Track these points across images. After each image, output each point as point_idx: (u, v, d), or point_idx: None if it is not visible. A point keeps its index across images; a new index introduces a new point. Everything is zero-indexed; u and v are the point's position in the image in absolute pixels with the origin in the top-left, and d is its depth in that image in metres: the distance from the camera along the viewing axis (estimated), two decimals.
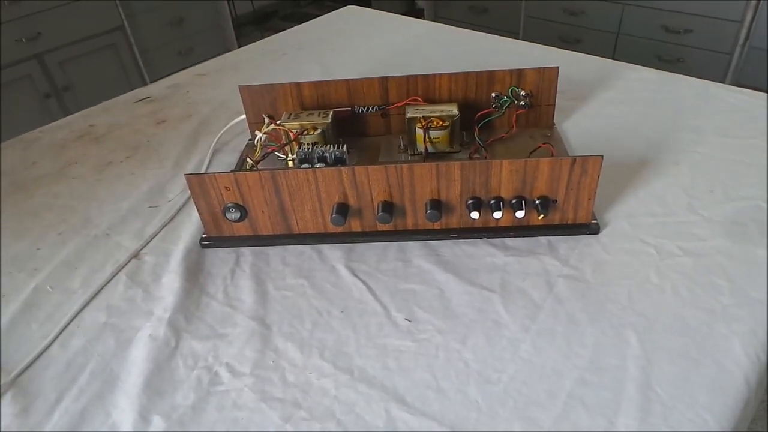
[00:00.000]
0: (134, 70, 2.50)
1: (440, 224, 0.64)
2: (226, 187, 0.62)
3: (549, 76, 0.77)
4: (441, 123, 0.73)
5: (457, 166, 0.59)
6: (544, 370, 0.49)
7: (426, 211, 0.61)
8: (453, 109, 0.75)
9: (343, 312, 0.56)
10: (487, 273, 0.59)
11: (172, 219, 0.72)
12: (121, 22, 2.37)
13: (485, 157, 0.74)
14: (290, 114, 0.77)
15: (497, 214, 0.60)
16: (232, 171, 0.60)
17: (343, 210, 0.61)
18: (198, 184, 0.62)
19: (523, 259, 0.60)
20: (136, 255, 0.66)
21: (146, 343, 0.54)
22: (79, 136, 0.93)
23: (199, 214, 0.64)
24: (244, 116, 0.84)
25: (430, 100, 0.78)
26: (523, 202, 0.60)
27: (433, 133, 0.73)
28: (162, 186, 0.78)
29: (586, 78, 0.95)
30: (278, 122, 0.75)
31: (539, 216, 0.60)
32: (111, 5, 2.31)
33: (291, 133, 0.74)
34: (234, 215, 0.63)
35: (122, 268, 0.64)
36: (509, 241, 0.63)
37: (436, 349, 0.51)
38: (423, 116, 0.74)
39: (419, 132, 0.74)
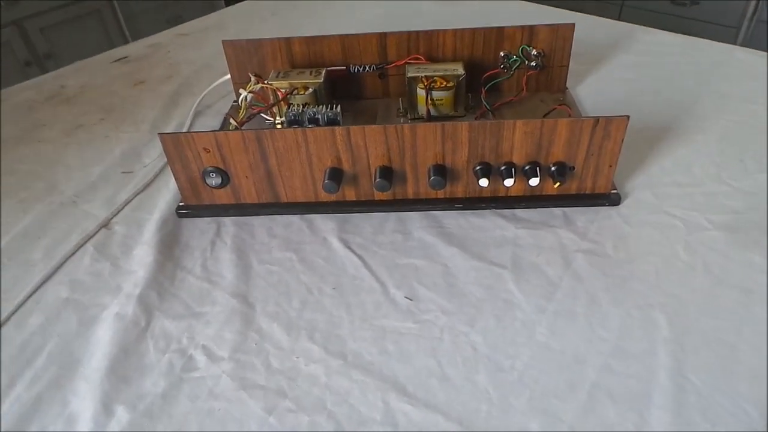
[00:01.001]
0: (119, 37, 2.39)
1: (444, 193, 0.57)
2: (205, 149, 0.55)
3: (563, 34, 0.70)
4: (445, 83, 0.66)
5: (464, 126, 0.52)
6: (563, 357, 0.43)
7: (429, 178, 0.54)
8: (458, 69, 0.68)
9: (335, 289, 0.50)
10: (496, 247, 0.53)
11: (147, 186, 0.65)
12: None
13: None
14: (279, 72, 0.70)
15: (508, 182, 0.54)
16: (212, 131, 0.53)
17: (336, 176, 0.55)
18: (173, 144, 0.55)
19: (536, 232, 0.54)
20: (105, 224, 0.59)
21: (112, 322, 0.48)
22: (49, 98, 0.86)
23: (176, 179, 0.58)
24: (228, 76, 0.77)
25: (433, 59, 0.71)
26: (537, 168, 0.54)
27: (436, 95, 0.66)
28: (137, 150, 0.71)
29: (599, 41, 0.88)
30: (266, 81, 0.68)
31: (555, 184, 0.54)
32: None
33: (279, 93, 0.67)
34: (214, 181, 0.56)
35: (90, 238, 0.57)
36: (521, 213, 0.57)
37: (440, 331, 0.45)
38: (425, 76, 0.67)
39: (421, 93, 0.67)
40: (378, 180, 0.54)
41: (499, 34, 0.70)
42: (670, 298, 0.47)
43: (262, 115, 0.68)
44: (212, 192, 0.58)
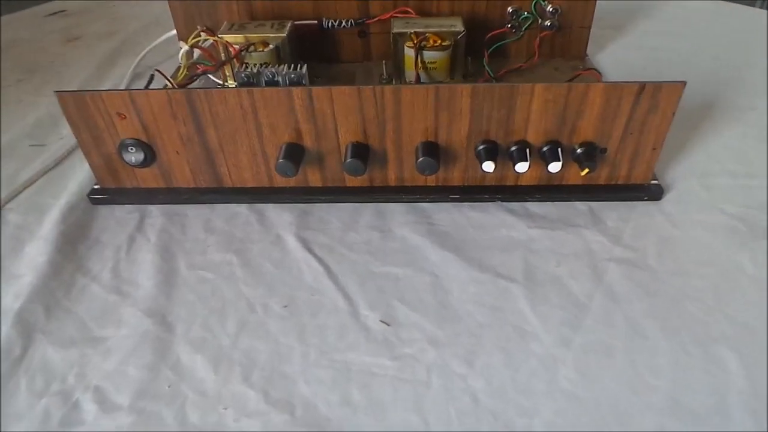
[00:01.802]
0: None
1: (436, 179, 0.44)
2: (119, 114, 0.41)
3: None
4: (439, 42, 0.53)
5: (465, 91, 0.39)
6: (597, 412, 0.30)
7: (416, 159, 0.41)
8: (456, 24, 0.54)
9: (286, 307, 0.37)
10: (503, 252, 0.40)
11: (59, 163, 0.51)
12: None
13: None
14: (233, 25, 0.56)
15: (521, 167, 0.41)
16: (127, 89, 0.40)
17: (294, 154, 0.41)
18: (76, 107, 0.41)
19: (555, 233, 0.41)
20: None
21: None
22: None
23: (85, 155, 0.44)
24: (174, 32, 0.62)
25: (425, 14, 0.58)
26: (559, 150, 0.41)
27: (428, 55, 0.53)
28: (56, 119, 0.57)
29: (618, 5, 0.75)
30: (216, 34, 0.54)
31: (582, 171, 0.41)
32: None
33: (231, 49, 0.53)
34: (134, 157, 0.43)
35: None
36: (534, 207, 0.44)
37: (427, 372, 0.33)
38: (415, 32, 0.53)
39: (409, 53, 0.53)
40: (349, 160, 0.41)
41: None
42: (738, 328, 0.34)
43: (209, 76, 0.55)
44: (134, 172, 0.45)
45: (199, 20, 0.60)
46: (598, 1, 0.57)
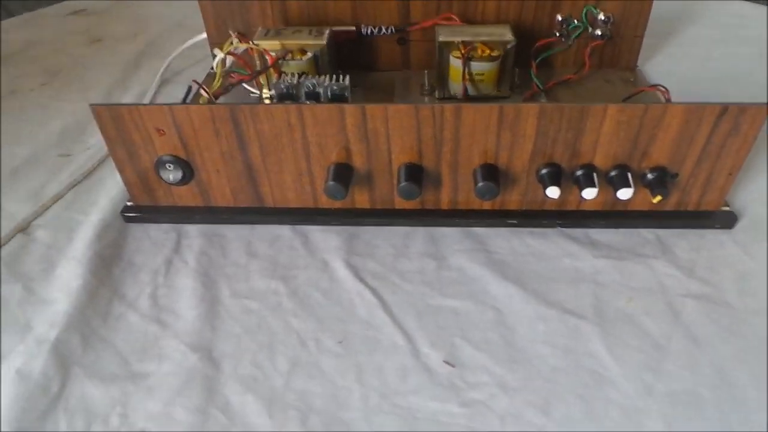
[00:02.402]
0: None
1: (492, 203, 0.42)
2: (159, 130, 0.39)
3: None
4: (488, 52, 0.50)
5: (533, 111, 0.36)
6: None
7: (475, 183, 0.38)
8: (506, 33, 0.51)
9: (341, 344, 0.34)
10: (569, 285, 0.37)
11: (88, 175, 0.49)
12: None
13: None
14: (268, 31, 0.53)
15: (589, 193, 0.38)
16: (168, 104, 0.37)
17: (344, 175, 0.39)
18: (113, 122, 0.38)
19: (622, 263, 0.39)
20: (23, 228, 0.43)
21: (10, 384, 0.32)
22: None
23: (119, 171, 0.41)
24: (204, 35, 0.60)
25: (470, 22, 0.55)
26: (628, 175, 0.38)
27: (476, 66, 0.50)
28: (83, 126, 0.55)
29: (663, 12, 0.72)
30: (251, 41, 0.51)
31: (654, 198, 0.38)
32: None
33: (268, 56, 0.50)
34: (172, 175, 0.40)
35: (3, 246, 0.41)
36: (597, 234, 0.41)
37: (501, 422, 0.30)
38: (463, 41, 0.50)
39: (455, 64, 0.50)
40: (404, 183, 0.38)
41: None
42: None
43: (244, 85, 0.52)
44: (170, 190, 0.42)
45: (230, 22, 0.57)
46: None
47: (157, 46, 0.68)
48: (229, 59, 0.52)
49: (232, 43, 0.51)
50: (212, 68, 0.53)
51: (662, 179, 0.38)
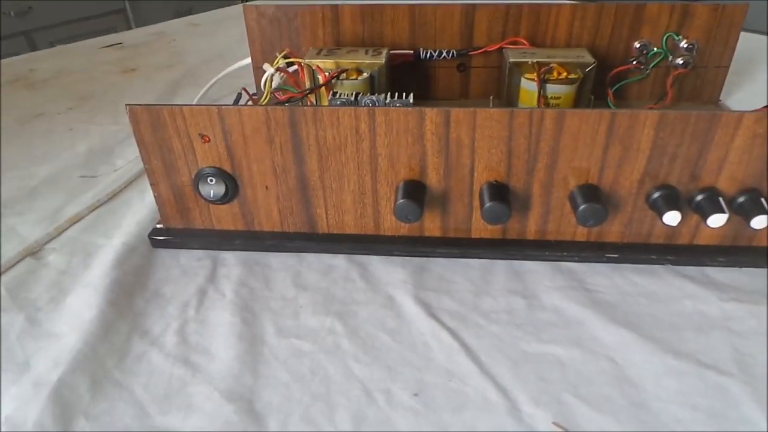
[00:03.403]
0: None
1: (587, 233, 0.35)
2: (203, 136, 0.33)
3: (730, 18, 0.49)
4: (566, 74, 0.45)
5: (651, 119, 0.30)
6: None
7: (576, 207, 0.32)
8: (584, 55, 0.47)
9: (417, 396, 0.27)
10: (698, 333, 0.30)
11: (112, 197, 0.43)
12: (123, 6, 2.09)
13: None
14: (321, 50, 0.49)
15: (716, 220, 0.31)
16: (216, 105, 0.32)
17: (416, 193, 0.33)
18: (151, 125, 0.33)
19: (757, 308, 0.31)
20: (34, 251, 0.37)
21: None
22: (10, 81, 0.65)
23: (152, 185, 0.36)
24: (248, 60, 0.56)
25: (538, 46, 0.50)
26: (762, 200, 0.31)
27: (552, 89, 0.45)
28: (110, 148, 0.50)
29: (743, 49, 0.68)
30: (302, 59, 0.47)
31: None
32: None
33: (321, 75, 0.46)
34: (213, 191, 0.34)
35: (3, 272, 0.35)
36: (716, 273, 0.34)
37: None
38: (537, 61, 0.45)
39: (528, 87, 0.45)
40: (488, 204, 0.32)
41: (637, 13, 0.49)
42: None
43: (293, 103, 0.47)
44: (209, 210, 0.36)
45: (278, 45, 0.53)
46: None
47: (195, 76, 0.65)
48: (277, 77, 0.48)
49: (282, 60, 0.46)
50: (255, 94, 0.49)
51: None
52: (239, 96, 0.43)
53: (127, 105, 0.33)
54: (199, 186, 0.34)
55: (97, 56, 0.73)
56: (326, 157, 0.33)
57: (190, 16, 0.88)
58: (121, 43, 0.77)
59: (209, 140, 0.33)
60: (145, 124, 0.33)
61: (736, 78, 0.60)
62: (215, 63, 0.68)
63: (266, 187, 0.35)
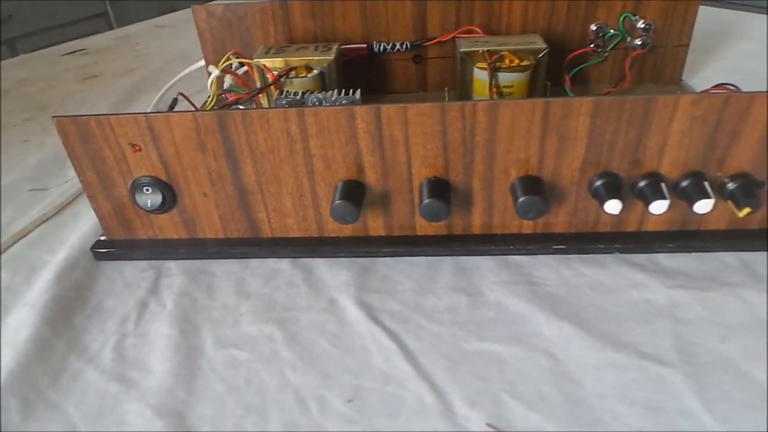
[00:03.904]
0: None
1: (533, 225, 0.34)
2: (133, 145, 0.32)
3: None
4: (518, 62, 0.44)
5: (585, 106, 0.29)
6: None
7: (516, 199, 0.31)
8: (537, 41, 0.46)
9: (351, 402, 0.26)
10: (642, 323, 0.29)
11: (61, 210, 0.43)
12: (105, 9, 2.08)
13: None
14: (270, 48, 0.48)
15: (658, 207, 0.30)
16: (143, 113, 0.31)
17: (354, 193, 0.32)
18: (78, 136, 0.32)
19: (705, 295, 0.31)
20: None
21: None
22: None
23: (89, 198, 0.35)
24: (202, 62, 0.55)
25: (494, 35, 0.49)
26: (705, 184, 0.31)
27: (504, 78, 0.44)
28: (62, 160, 0.49)
29: (702, 27, 0.66)
30: (250, 58, 0.46)
31: (742, 211, 0.31)
32: None
33: (269, 74, 0.45)
34: (150, 200, 0.34)
35: None
36: (666, 260, 0.33)
37: None
38: (488, 50, 0.45)
39: (480, 77, 0.45)
40: (428, 200, 0.31)
41: None
42: None
43: (240, 107, 0.46)
44: (150, 220, 0.36)
45: (231, 45, 0.52)
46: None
47: (154, 80, 0.64)
48: (228, 79, 0.47)
49: (230, 60, 0.45)
50: (208, 89, 0.48)
51: (747, 189, 0.31)
52: (175, 101, 0.42)
53: (53, 117, 0.32)
54: (136, 196, 0.34)
55: (59, 64, 0.72)
56: (261, 161, 0.32)
57: (157, 18, 0.87)
58: (85, 49, 0.76)
59: (140, 149, 0.32)
60: (74, 136, 0.32)
61: (701, 56, 0.59)
62: (177, 66, 0.67)
63: (204, 194, 0.34)
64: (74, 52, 0.75)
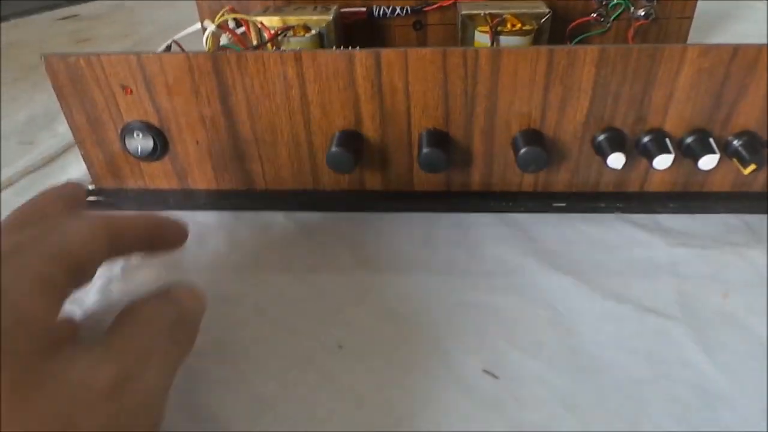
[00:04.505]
0: None
1: (534, 182, 0.34)
2: (124, 87, 0.31)
3: None
4: (520, 26, 0.43)
5: (591, 55, 0.29)
6: None
7: (517, 152, 0.30)
8: (540, 6, 0.45)
9: (342, 348, 0.26)
10: (643, 279, 0.29)
11: (49, 162, 0.41)
12: None
13: None
14: (268, 8, 0.47)
15: (662, 161, 0.30)
16: (136, 53, 0.30)
17: (351, 143, 0.31)
18: (68, 75, 0.31)
19: (707, 252, 0.30)
20: None
21: None
22: None
23: (78, 144, 0.34)
24: (198, 25, 0.54)
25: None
26: (710, 140, 0.30)
27: (506, 42, 0.43)
28: (52, 116, 0.48)
29: (704, 9, 0.66)
30: (248, 15, 0.45)
31: (747, 168, 0.30)
32: None
33: (266, 32, 0.44)
34: (141, 146, 0.33)
35: None
36: (667, 220, 0.33)
37: None
38: (489, 13, 0.44)
39: (481, 40, 0.44)
40: (427, 149, 0.30)
41: None
42: None
43: None
44: (140, 168, 0.35)
45: (228, 5, 0.51)
46: None
47: (147, 44, 0.63)
48: (225, 37, 0.46)
49: (224, 16, 0.44)
50: (204, 45, 0.47)
51: (753, 147, 0.30)
52: (168, 48, 0.41)
53: (42, 55, 0.31)
54: (126, 141, 0.33)
55: (51, 28, 0.70)
56: (255, 107, 0.31)
57: None
58: (77, 15, 0.74)
59: (132, 92, 0.31)
60: (63, 76, 0.31)
61: (703, 34, 0.58)
62: (171, 32, 0.66)
63: (197, 142, 0.33)
64: (68, 17, 0.74)
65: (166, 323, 0.20)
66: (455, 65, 0.29)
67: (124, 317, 0.20)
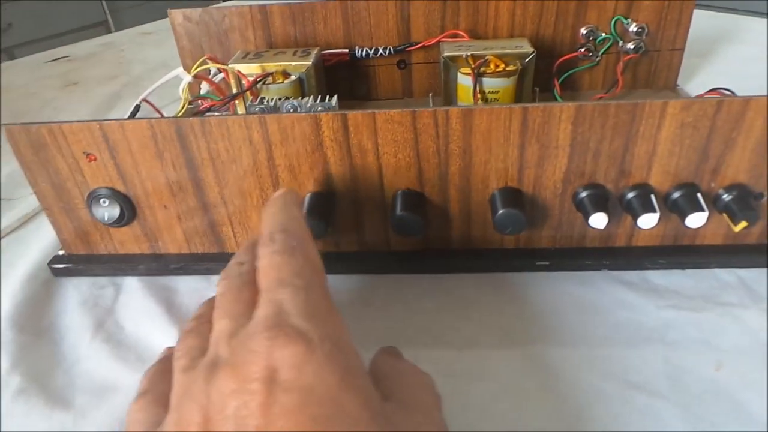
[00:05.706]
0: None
1: (516, 240, 0.32)
2: (88, 154, 0.30)
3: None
4: (503, 66, 0.42)
5: (566, 112, 0.27)
6: None
7: (494, 212, 0.29)
8: (524, 45, 0.44)
9: None
10: (630, 347, 0.27)
11: (28, 221, 0.41)
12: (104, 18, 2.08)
13: None
14: (248, 54, 0.47)
15: (647, 220, 0.28)
16: (97, 120, 0.29)
17: (321, 206, 0.30)
18: (30, 145, 0.30)
19: (698, 316, 0.28)
20: None
21: None
22: None
23: (44, 209, 0.33)
24: (180, 69, 0.53)
25: (480, 39, 0.48)
26: (698, 196, 0.29)
27: (489, 83, 0.42)
28: None
29: (698, 31, 0.64)
30: (225, 63, 0.44)
31: (737, 225, 0.28)
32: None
33: (244, 80, 0.43)
34: (107, 213, 0.32)
35: None
36: (657, 277, 0.31)
37: None
38: (472, 54, 0.43)
39: (463, 82, 0.43)
40: (401, 213, 0.29)
41: (580, 1, 0.46)
42: None
43: (214, 115, 0.44)
44: (109, 234, 0.34)
45: (206, 47, 0.51)
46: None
47: (135, 87, 0.62)
48: (205, 86, 0.45)
49: (205, 64, 0.44)
50: (191, 104, 0.46)
51: (744, 202, 0.29)
52: (137, 108, 0.41)
53: (2, 125, 0.30)
54: (92, 209, 0.32)
55: (41, 71, 0.70)
56: (222, 171, 0.30)
57: (142, 26, 0.85)
58: (68, 56, 0.74)
59: (96, 159, 0.30)
60: (25, 145, 0.30)
61: (697, 60, 0.57)
62: (159, 73, 0.65)
63: (165, 207, 0.32)
64: (58, 59, 0.74)
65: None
66: (426, 125, 0.28)
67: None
